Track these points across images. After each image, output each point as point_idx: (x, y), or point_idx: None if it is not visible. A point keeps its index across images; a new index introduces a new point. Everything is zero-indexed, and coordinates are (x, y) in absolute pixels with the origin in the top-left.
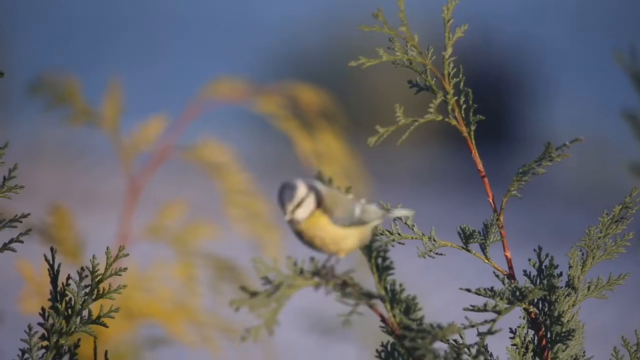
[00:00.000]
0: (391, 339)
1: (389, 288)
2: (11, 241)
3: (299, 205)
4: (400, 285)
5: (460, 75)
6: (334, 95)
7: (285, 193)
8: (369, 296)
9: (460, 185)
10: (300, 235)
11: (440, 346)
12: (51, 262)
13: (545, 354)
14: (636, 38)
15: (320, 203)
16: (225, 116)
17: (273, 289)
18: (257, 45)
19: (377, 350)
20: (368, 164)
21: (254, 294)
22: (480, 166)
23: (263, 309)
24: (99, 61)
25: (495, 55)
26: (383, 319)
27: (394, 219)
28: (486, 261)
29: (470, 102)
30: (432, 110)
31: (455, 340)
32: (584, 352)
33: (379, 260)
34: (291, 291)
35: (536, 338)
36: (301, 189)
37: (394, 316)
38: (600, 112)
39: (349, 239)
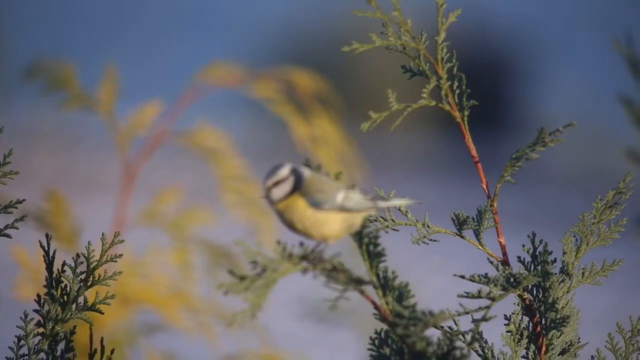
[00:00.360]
0: (385, 327)
1: (381, 275)
2: (6, 227)
3: (276, 184)
4: (393, 272)
5: (454, 60)
6: (330, 79)
7: (268, 172)
8: (358, 282)
9: (455, 169)
10: (280, 216)
11: (433, 333)
12: (46, 249)
13: (540, 340)
14: (633, 22)
15: (299, 186)
16: (220, 101)
17: (259, 272)
18: (253, 30)
19: (371, 338)
20: (363, 149)
21: (242, 278)
22: (474, 152)
23: (249, 293)
24: (95, 46)
25: (490, 39)
26: (375, 306)
27: (390, 208)
28: (480, 248)
29: (464, 87)
30: (425, 95)
31: (449, 327)
32: (578, 338)
33: (370, 247)
34: (278, 275)
35: (531, 325)
36: (284, 171)
37: (387, 303)
38: (596, 96)
39: (330, 224)
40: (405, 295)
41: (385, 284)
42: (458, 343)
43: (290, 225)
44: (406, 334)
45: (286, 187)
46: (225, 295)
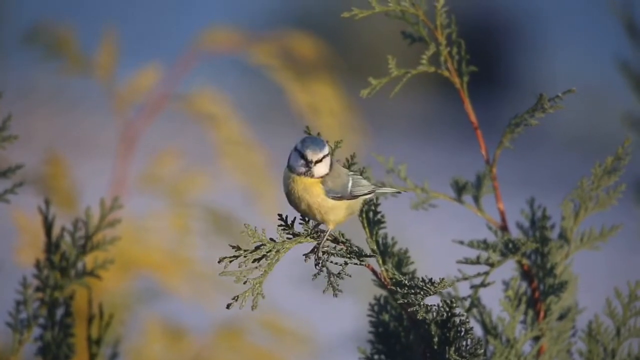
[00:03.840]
0: (384, 293)
1: (380, 242)
2: (5, 192)
3: (320, 161)
4: (392, 238)
5: (453, 27)
6: (330, 42)
7: (312, 144)
8: (359, 254)
9: (454, 131)
10: (289, 193)
11: (433, 299)
12: (45, 214)
13: (538, 306)
14: None
15: (330, 168)
16: (219, 66)
17: (261, 254)
18: None
19: (370, 304)
20: (363, 113)
21: (245, 251)
22: (473, 117)
23: (250, 276)
24: (94, 8)
25: (488, 2)
26: (375, 273)
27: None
28: (479, 213)
29: (463, 53)
30: (424, 61)
31: (448, 293)
32: (576, 303)
33: (370, 215)
34: (281, 255)
35: (529, 290)
36: (327, 148)
37: (386, 270)
38: (596, 59)
39: (336, 211)
40: (405, 262)
41: (384, 251)
42: (457, 310)
43: (297, 203)
44: (407, 302)
45: (324, 167)
46: (226, 267)
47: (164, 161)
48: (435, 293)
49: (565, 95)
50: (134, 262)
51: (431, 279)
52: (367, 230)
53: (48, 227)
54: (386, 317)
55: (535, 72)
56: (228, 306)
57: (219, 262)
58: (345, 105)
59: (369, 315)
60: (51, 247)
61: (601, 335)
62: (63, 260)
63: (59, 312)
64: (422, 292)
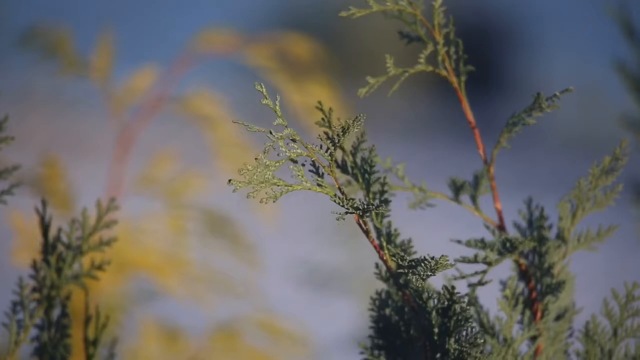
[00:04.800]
0: (385, 287)
1: (384, 231)
2: (2, 193)
3: None
4: (395, 230)
5: (450, 26)
6: (327, 44)
7: None
8: (364, 209)
9: (452, 131)
10: None
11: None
12: (42, 215)
13: (535, 306)
14: None
15: None
16: (215, 68)
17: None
18: None
19: (371, 298)
20: (359, 113)
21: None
22: (470, 117)
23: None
24: (88, 11)
25: (486, 2)
26: (377, 250)
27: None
28: (476, 213)
29: (461, 52)
30: (422, 61)
31: (445, 287)
32: (574, 303)
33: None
34: (293, 188)
35: (526, 290)
36: None
37: (388, 250)
38: (593, 60)
39: None
40: (408, 252)
41: (388, 239)
42: (457, 296)
43: None
44: (408, 280)
45: None
46: (235, 192)
47: (160, 163)
48: (436, 268)
49: (562, 94)
50: (131, 264)
51: (433, 256)
52: (372, 213)
53: (45, 228)
54: (387, 310)
55: (532, 73)
56: (230, 181)
57: (228, 184)
58: (341, 105)
59: (370, 309)
60: (48, 248)
61: (598, 335)
62: (60, 261)
63: (56, 313)
64: (423, 265)
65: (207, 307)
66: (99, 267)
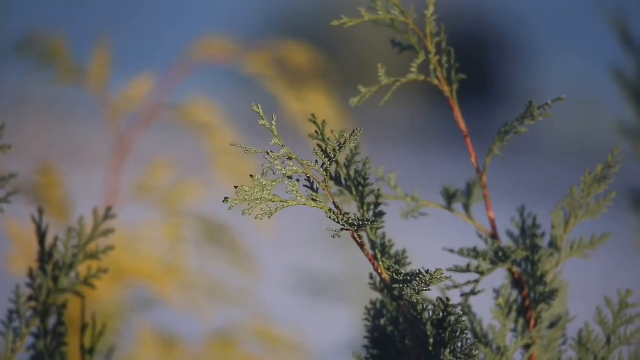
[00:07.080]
0: (380, 297)
1: (378, 242)
2: None
3: None
4: (389, 240)
5: (442, 35)
6: (325, 52)
7: None
8: (360, 224)
9: (445, 140)
10: None
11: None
12: (39, 223)
13: (529, 314)
14: None
15: None
16: (212, 75)
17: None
18: (245, 1)
19: (366, 308)
20: (358, 122)
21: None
22: (463, 125)
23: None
24: (85, 18)
25: (481, 10)
26: (371, 261)
27: (377, 180)
28: (469, 221)
29: (453, 61)
30: (414, 69)
31: (439, 298)
32: (567, 311)
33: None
34: (288, 204)
35: (519, 298)
36: None
37: (382, 262)
38: (589, 67)
39: None
40: (402, 262)
41: (382, 251)
42: (452, 308)
43: None
44: (403, 293)
45: None
46: (230, 210)
47: (157, 170)
48: (431, 282)
49: (554, 103)
50: (127, 272)
51: (428, 270)
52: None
53: (41, 236)
54: (382, 321)
55: (527, 81)
56: (225, 199)
57: (224, 202)
58: (340, 113)
59: (365, 319)
60: (44, 256)
61: (592, 343)
62: (56, 270)
63: (52, 321)
64: (418, 280)
65: (204, 314)
66: (96, 276)
